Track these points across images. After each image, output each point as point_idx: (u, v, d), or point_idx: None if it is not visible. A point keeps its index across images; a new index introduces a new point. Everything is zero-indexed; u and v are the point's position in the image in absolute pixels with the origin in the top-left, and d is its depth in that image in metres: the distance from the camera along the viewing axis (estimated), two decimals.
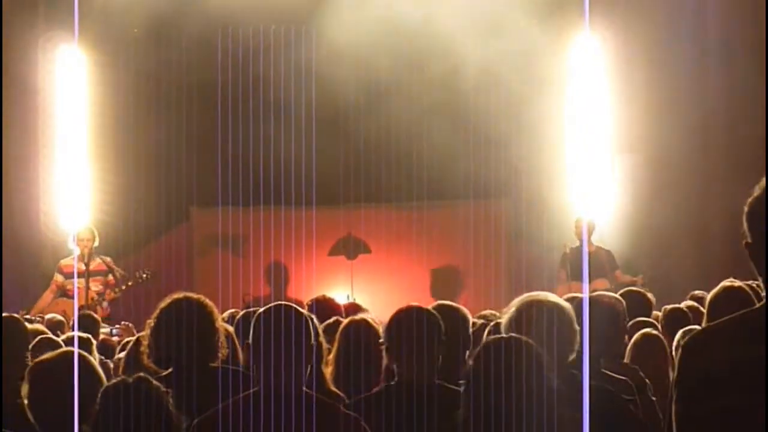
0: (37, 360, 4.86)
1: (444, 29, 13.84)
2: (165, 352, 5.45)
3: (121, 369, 6.33)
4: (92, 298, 12.86)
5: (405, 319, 5.11)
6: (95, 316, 9.93)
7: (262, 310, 4.67)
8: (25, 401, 4.65)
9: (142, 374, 4.11)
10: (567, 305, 5.00)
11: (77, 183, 14.57)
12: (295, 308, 4.58)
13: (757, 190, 3.15)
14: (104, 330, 10.50)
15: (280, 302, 4.67)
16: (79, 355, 4.69)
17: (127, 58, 14.68)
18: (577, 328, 4.91)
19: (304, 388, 4.44)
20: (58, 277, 13.45)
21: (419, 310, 5.24)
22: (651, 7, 14.50)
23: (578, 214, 14.20)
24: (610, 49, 14.61)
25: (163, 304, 5.55)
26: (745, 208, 3.16)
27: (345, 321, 6.18)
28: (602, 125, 14.51)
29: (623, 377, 5.68)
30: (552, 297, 5.04)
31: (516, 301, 5.02)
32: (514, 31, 14.37)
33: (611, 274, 13.80)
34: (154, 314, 5.56)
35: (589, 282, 13.53)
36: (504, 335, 4.65)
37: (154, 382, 4.11)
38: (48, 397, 4.66)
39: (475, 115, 14.63)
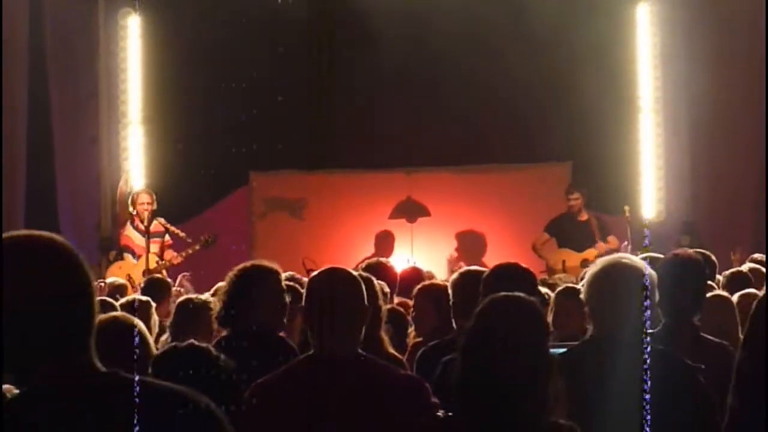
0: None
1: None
2: (234, 316, 5.47)
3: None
4: (157, 262, 12.79)
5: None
6: (168, 279, 9.81)
7: (314, 273, 4.67)
8: None
9: (192, 341, 4.07)
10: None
11: (137, 145, 14.64)
12: (348, 271, 4.57)
13: None
14: None
15: (332, 266, 4.67)
16: (126, 320, 4.60)
17: (188, 21, 14.70)
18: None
19: (359, 350, 4.43)
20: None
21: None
22: None
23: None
24: (673, 12, 14.41)
25: (236, 270, 5.58)
26: None
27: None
28: (663, 90, 14.38)
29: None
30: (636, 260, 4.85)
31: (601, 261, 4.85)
32: None
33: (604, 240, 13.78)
34: (228, 278, 5.59)
35: (584, 249, 13.58)
36: None
37: (205, 346, 4.08)
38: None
39: (537, 80, 14.52)
